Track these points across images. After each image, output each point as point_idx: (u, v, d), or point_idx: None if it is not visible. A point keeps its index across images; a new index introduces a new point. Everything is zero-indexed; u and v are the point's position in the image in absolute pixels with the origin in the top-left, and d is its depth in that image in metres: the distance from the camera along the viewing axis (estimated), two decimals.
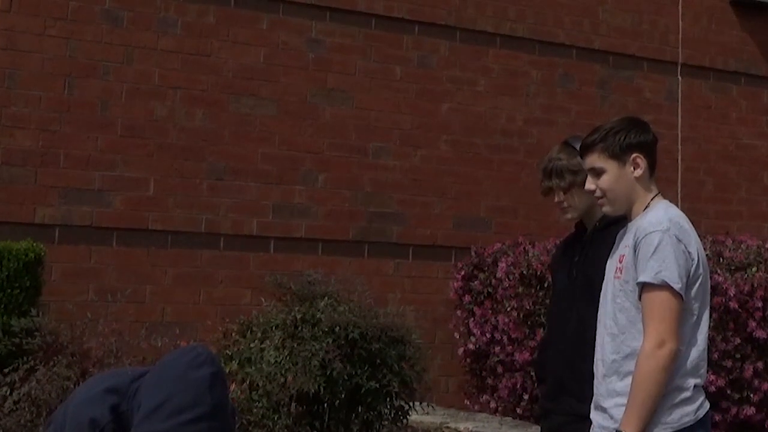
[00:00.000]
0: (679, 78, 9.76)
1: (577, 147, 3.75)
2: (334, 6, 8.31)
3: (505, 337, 7.78)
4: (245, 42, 8.00)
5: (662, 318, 3.17)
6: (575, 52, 9.31)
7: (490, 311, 8.01)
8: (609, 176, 3.38)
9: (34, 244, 6.56)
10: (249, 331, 6.24)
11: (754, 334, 7.16)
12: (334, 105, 8.27)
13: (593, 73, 9.39)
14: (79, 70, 7.43)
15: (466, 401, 8.31)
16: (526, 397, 7.66)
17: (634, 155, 3.37)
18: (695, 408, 3.25)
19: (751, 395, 7.22)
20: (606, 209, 3.46)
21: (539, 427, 4.01)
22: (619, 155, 3.37)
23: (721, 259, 7.40)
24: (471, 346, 8.15)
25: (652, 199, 3.39)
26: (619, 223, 3.52)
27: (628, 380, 3.23)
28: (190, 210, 7.63)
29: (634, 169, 3.37)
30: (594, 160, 3.40)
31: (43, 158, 7.28)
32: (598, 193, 3.42)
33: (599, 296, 3.44)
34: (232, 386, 5.95)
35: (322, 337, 5.97)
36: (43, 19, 7.35)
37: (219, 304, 7.66)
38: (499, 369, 7.88)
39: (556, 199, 3.80)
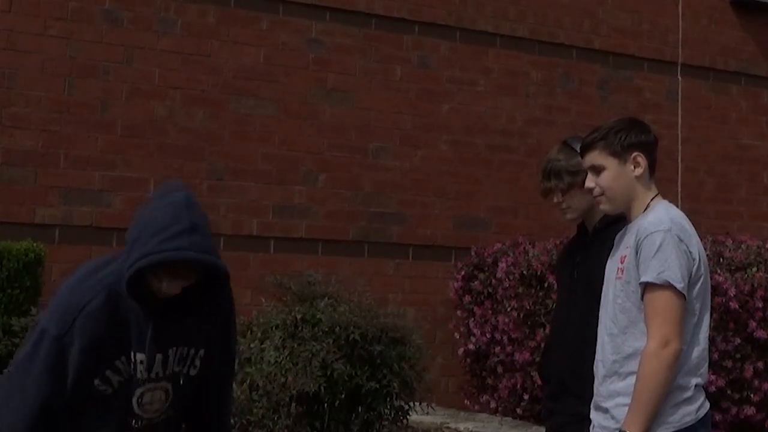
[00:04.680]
0: (679, 78, 9.76)
1: (577, 148, 3.74)
2: (334, 6, 8.31)
3: (505, 337, 7.78)
4: (245, 42, 8.00)
5: (665, 318, 3.18)
6: (575, 52, 9.31)
7: (490, 311, 8.00)
8: (609, 174, 3.38)
9: (34, 244, 6.56)
10: (249, 331, 6.24)
11: (754, 334, 7.16)
12: (334, 105, 8.27)
13: (593, 73, 9.39)
14: (79, 70, 7.43)
15: (466, 401, 8.30)
16: (526, 397, 7.66)
17: (634, 154, 3.38)
18: (696, 407, 3.25)
19: (751, 395, 7.22)
20: (604, 207, 3.46)
21: (540, 428, 4.02)
22: (620, 153, 3.37)
23: (722, 259, 7.40)
24: (471, 347, 8.15)
25: (651, 200, 3.39)
26: (619, 222, 3.52)
27: (630, 380, 3.23)
28: None
29: (635, 168, 3.38)
30: (594, 157, 3.41)
31: (43, 158, 7.28)
32: (597, 191, 3.42)
33: (600, 296, 3.44)
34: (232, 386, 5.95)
35: (323, 338, 5.97)
36: (43, 19, 7.35)
37: None
38: (499, 369, 7.88)
39: (555, 200, 3.79)
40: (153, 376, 2.90)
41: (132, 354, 2.86)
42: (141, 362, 2.87)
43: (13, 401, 2.83)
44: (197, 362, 2.98)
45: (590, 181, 3.44)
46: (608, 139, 3.39)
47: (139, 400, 2.89)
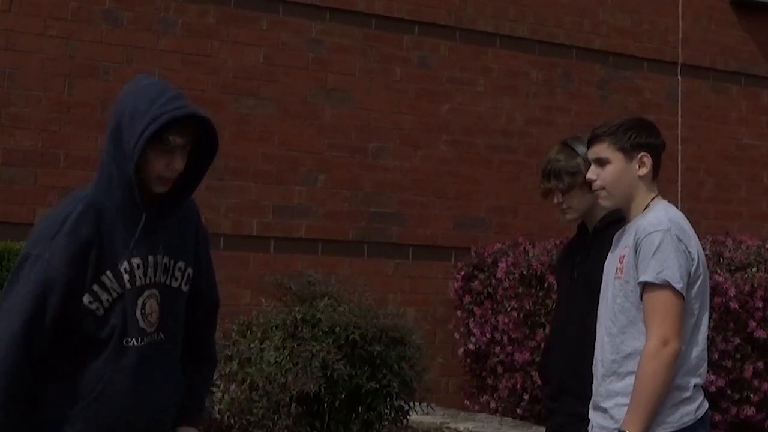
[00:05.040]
0: (679, 78, 9.76)
1: (577, 148, 3.75)
2: (334, 6, 8.31)
3: (505, 338, 7.78)
4: (245, 42, 7.99)
5: (664, 317, 3.18)
6: (575, 52, 9.31)
7: (490, 311, 8.01)
8: (613, 168, 3.38)
9: None
10: (249, 331, 6.25)
11: (754, 334, 7.16)
12: (334, 105, 8.27)
13: (593, 73, 9.39)
14: (79, 70, 7.43)
15: (466, 401, 8.30)
16: (526, 397, 7.66)
17: (641, 154, 3.38)
18: (695, 407, 3.26)
19: (751, 395, 7.22)
20: (603, 201, 3.46)
21: (541, 428, 4.02)
22: (628, 151, 3.37)
23: (721, 259, 7.40)
24: (471, 347, 8.15)
25: (651, 200, 3.40)
26: (619, 222, 3.52)
27: (628, 380, 3.23)
28: None
29: (640, 167, 3.38)
30: (601, 149, 3.40)
31: (43, 158, 7.28)
32: (597, 184, 3.42)
33: (600, 296, 3.45)
34: (232, 386, 5.96)
35: (322, 338, 5.97)
36: (43, 19, 7.35)
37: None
38: (499, 369, 7.88)
39: (556, 201, 3.79)
40: (147, 281, 2.83)
41: (125, 263, 2.78)
42: (138, 266, 2.80)
43: None
44: (177, 274, 2.92)
45: (592, 173, 3.43)
46: (618, 134, 3.39)
47: (143, 310, 2.81)
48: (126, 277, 2.79)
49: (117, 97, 2.87)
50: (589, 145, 3.48)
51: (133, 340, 2.80)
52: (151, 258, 2.84)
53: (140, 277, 2.81)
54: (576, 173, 3.69)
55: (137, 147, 2.72)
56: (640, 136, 3.39)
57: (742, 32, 10.14)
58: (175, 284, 2.93)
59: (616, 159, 3.38)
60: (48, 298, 2.71)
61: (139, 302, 2.80)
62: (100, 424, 2.78)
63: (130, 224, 2.80)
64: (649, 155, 3.39)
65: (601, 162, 3.40)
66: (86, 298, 2.75)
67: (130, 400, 2.79)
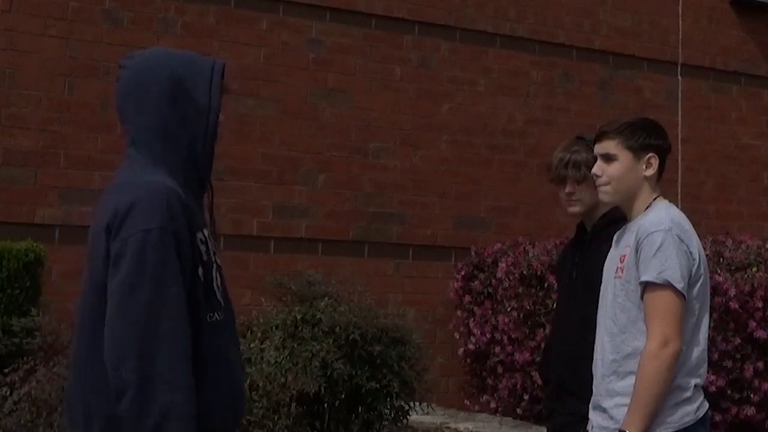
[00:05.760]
0: (679, 78, 9.76)
1: (592, 144, 3.75)
2: (334, 6, 8.31)
3: (505, 337, 7.78)
4: (245, 42, 7.99)
5: (665, 317, 3.18)
6: (575, 52, 9.31)
7: (490, 311, 8.01)
8: (620, 165, 3.39)
9: (34, 244, 6.56)
10: (249, 332, 6.24)
11: (754, 334, 7.15)
12: (334, 105, 8.27)
13: (593, 73, 9.39)
14: (79, 70, 7.43)
15: (466, 401, 8.30)
16: (526, 397, 7.66)
17: (649, 155, 3.39)
18: (696, 407, 3.26)
19: (752, 395, 7.21)
20: (604, 197, 3.46)
21: (541, 428, 4.02)
22: (637, 150, 3.38)
23: (721, 259, 7.40)
24: (471, 346, 8.15)
25: (653, 200, 3.40)
26: (619, 222, 3.52)
27: (628, 380, 3.23)
28: None
29: (646, 168, 3.39)
30: (610, 146, 3.41)
31: (43, 158, 7.28)
32: (603, 180, 3.42)
33: (600, 296, 3.45)
34: None
35: (323, 338, 5.97)
36: (43, 19, 7.35)
37: None
38: (499, 369, 7.88)
39: (568, 190, 3.78)
40: (213, 254, 2.64)
41: (200, 233, 2.57)
42: (209, 237, 2.61)
43: (155, 316, 2.39)
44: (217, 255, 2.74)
45: (598, 168, 3.43)
46: (627, 133, 3.40)
47: (219, 283, 2.61)
48: (203, 248, 2.58)
49: (147, 65, 2.67)
50: (596, 141, 3.48)
51: (216, 314, 2.59)
52: (208, 233, 2.66)
53: (211, 249, 2.62)
54: (591, 167, 3.69)
55: (214, 94, 2.61)
56: (649, 137, 3.41)
57: (742, 32, 10.14)
58: (217, 260, 2.73)
59: (624, 157, 3.39)
60: (185, 269, 2.48)
61: (214, 274, 2.61)
62: (220, 399, 2.55)
63: (193, 191, 2.63)
64: (656, 156, 3.40)
65: (608, 158, 3.41)
66: (200, 270, 2.55)
67: (227, 375, 2.58)
